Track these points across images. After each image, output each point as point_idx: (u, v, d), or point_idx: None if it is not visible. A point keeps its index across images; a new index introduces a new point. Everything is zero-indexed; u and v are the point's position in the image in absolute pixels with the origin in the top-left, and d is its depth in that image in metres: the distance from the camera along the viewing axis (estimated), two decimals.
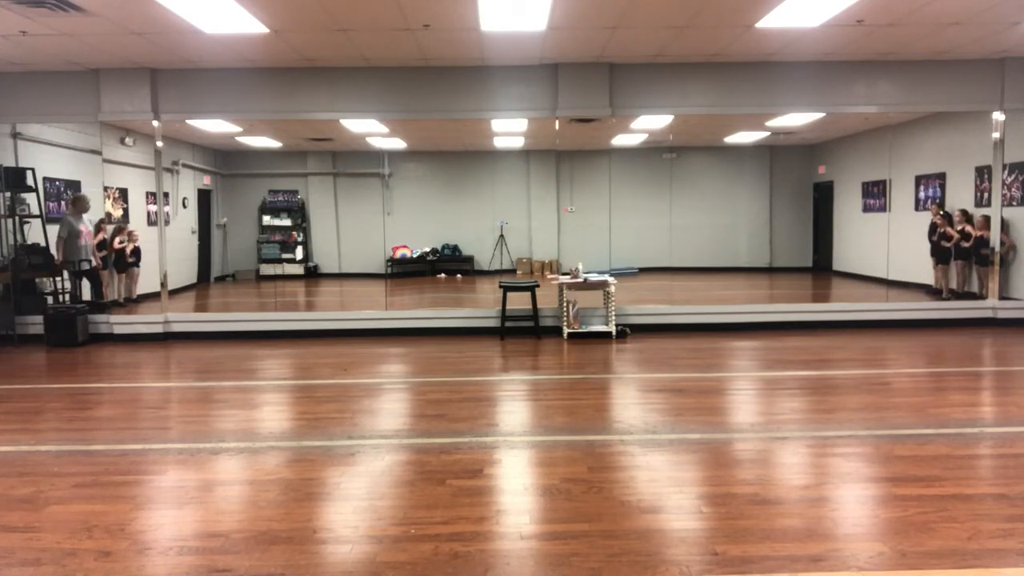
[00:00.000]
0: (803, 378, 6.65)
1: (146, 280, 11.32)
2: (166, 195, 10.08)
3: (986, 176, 10.03)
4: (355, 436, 4.92)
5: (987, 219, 9.76)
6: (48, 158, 10.06)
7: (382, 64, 8.80)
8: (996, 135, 9.28)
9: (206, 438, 4.91)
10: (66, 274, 9.71)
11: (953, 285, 10.82)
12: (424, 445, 4.69)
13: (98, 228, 10.53)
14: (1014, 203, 9.84)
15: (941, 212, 10.99)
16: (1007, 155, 9.40)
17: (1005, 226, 9.82)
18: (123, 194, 11.76)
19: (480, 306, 11.31)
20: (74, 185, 10.59)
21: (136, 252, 11.35)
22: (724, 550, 3.14)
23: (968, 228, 10.30)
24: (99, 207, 10.70)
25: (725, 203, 16.86)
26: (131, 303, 11.13)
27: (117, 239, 11.04)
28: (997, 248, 9.43)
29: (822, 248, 16.08)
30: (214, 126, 11.10)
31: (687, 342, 8.46)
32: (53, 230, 9.71)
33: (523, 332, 9.03)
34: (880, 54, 8.60)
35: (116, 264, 11.07)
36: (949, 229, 10.69)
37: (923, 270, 11.32)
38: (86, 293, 10.18)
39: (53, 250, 9.48)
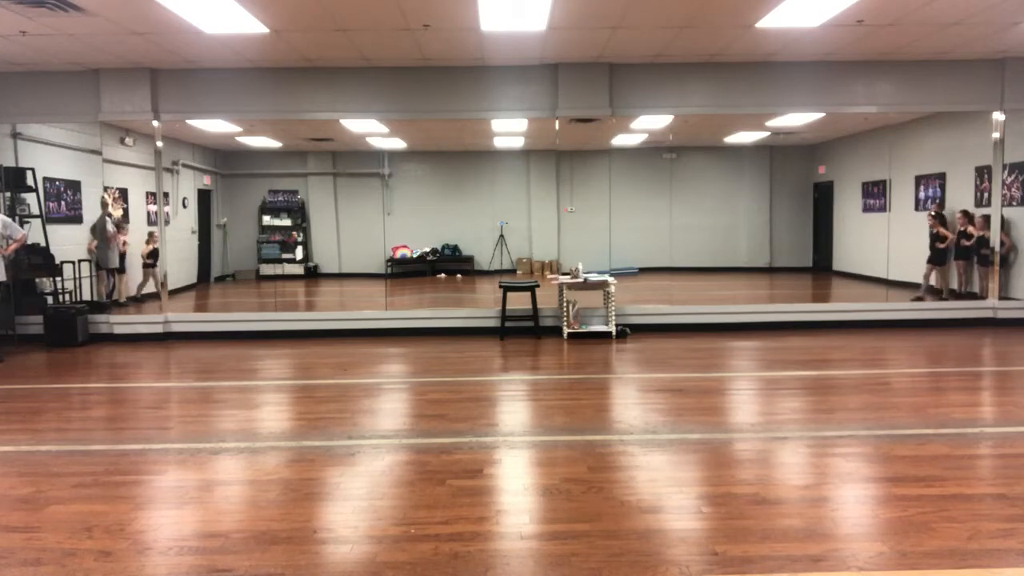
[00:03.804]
0: (803, 378, 6.65)
1: (151, 280, 11.38)
2: (166, 195, 10.08)
3: (986, 176, 10.03)
4: (355, 436, 4.92)
5: (986, 219, 9.77)
6: (48, 158, 10.05)
7: (382, 64, 8.80)
8: (996, 135, 9.28)
9: (206, 438, 4.91)
10: (101, 273, 10.31)
11: (954, 285, 10.83)
12: (424, 445, 4.69)
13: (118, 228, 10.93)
14: (1014, 203, 9.84)
15: (933, 213, 11.00)
16: (1007, 155, 9.40)
17: (1006, 226, 9.82)
18: (123, 194, 11.76)
19: (480, 306, 11.31)
20: (74, 185, 10.59)
21: (154, 254, 11.47)
22: (724, 550, 3.14)
23: (970, 228, 10.30)
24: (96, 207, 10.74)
25: (725, 203, 16.85)
26: (135, 302, 11.19)
27: (124, 239, 11.10)
28: (997, 248, 9.43)
29: (822, 248, 16.08)
30: (214, 126, 11.10)
31: (687, 342, 8.45)
32: (53, 230, 9.73)
33: (523, 332, 9.03)
34: (880, 54, 8.60)
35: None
36: (942, 230, 10.70)
37: (923, 270, 11.31)
38: (87, 293, 10.24)
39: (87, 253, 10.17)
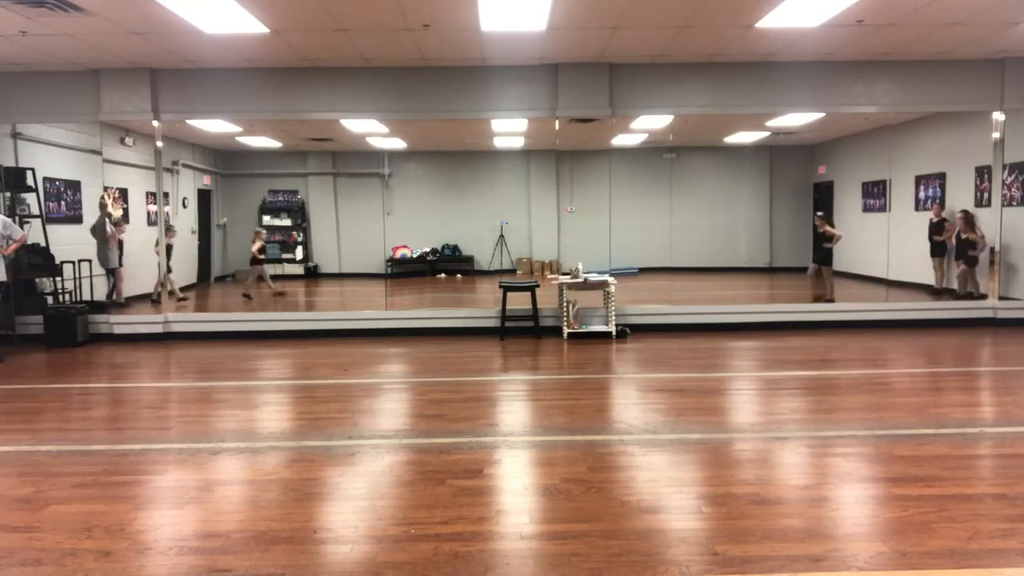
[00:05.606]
0: (803, 378, 6.65)
1: (147, 280, 11.35)
2: (166, 195, 10.08)
3: (986, 176, 10.04)
4: (355, 436, 4.92)
5: (965, 218, 9.92)
6: (48, 158, 10.05)
7: (382, 64, 8.80)
8: (996, 135, 9.28)
9: (206, 438, 4.91)
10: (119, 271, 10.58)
11: (954, 285, 10.83)
12: (424, 445, 4.68)
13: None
14: (1014, 203, 9.84)
15: (819, 214, 11.03)
16: (1007, 155, 9.40)
17: (972, 221, 9.97)
18: (123, 194, 11.76)
19: (480, 306, 11.31)
20: (74, 185, 10.59)
21: (263, 249, 12.21)
22: (724, 550, 3.14)
23: (971, 235, 10.32)
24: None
25: (725, 203, 16.85)
26: (247, 299, 11.82)
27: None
28: (998, 248, 9.42)
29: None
30: (214, 126, 11.10)
31: (687, 342, 8.45)
32: (53, 230, 9.72)
33: (523, 332, 9.03)
34: (880, 54, 8.60)
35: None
36: (828, 228, 10.70)
37: (923, 270, 11.32)
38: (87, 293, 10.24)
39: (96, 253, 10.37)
